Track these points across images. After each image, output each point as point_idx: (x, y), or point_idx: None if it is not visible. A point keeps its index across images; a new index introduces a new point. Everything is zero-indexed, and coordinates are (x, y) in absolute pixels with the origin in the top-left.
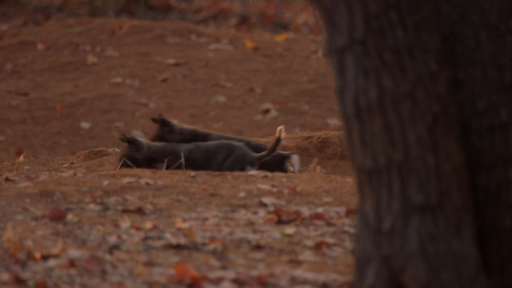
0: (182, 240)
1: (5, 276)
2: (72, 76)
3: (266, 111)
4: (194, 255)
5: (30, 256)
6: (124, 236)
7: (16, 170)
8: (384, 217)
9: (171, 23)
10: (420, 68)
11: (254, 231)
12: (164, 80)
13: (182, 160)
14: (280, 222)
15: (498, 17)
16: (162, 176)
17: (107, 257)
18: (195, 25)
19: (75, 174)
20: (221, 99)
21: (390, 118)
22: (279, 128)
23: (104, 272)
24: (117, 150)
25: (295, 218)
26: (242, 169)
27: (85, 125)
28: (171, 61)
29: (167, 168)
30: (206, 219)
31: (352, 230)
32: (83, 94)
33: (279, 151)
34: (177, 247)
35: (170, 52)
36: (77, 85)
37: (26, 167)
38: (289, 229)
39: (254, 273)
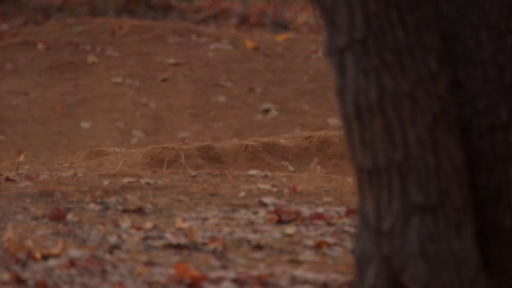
0: (182, 240)
1: (5, 276)
2: (72, 76)
3: (267, 111)
4: (194, 255)
5: (30, 255)
6: (124, 236)
7: (16, 170)
8: (384, 217)
9: (171, 23)
10: (420, 68)
11: (254, 231)
12: (164, 80)
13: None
14: (280, 221)
15: (498, 17)
16: (162, 176)
17: (107, 257)
18: (195, 25)
19: (75, 173)
20: (221, 99)
21: (390, 118)
22: None
23: (104, 271)
24: (117, 149)
25: (295, 218)
26: None
27: (85, 125)
28: (171, 61)
29: None
30: (206, 218)
31: (352, 230)
32: (83, 94)
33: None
34: (177, 247)
35: (170, 52)
36: (77, 85)
37: (26, 167)
38: (289, 229)
39: (254, 272)
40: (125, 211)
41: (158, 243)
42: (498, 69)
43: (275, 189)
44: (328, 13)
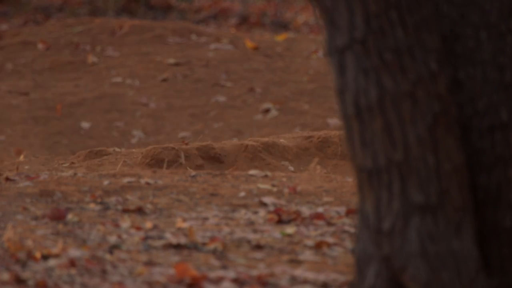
0: (182, 240)
1: (5, 276)
2: (72, 76)
3: (267, 110)
4: (194, 255)
5: (30, 255)
6: (124, 236)
7: (16, 169)
8: (384, 217)
9: (171, 23)
10: (420, 68)
11: (254, 231)
12: (164, 80)
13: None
14: (280, 221)
15: (498, 17)
16: (162, 176)
17: (107, 256)
18: (195, 25)
19: (75, 173)
20: (221, 98)
21: (390, 118)
22: None
23: (104, 271)
24: (117, 149)
25: (295, 218)
26: None
27: (85, 125)
28: (171, 60)
29: None
30: (206, 218)
31: (352, 230)
32: (83, 94)
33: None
34: (177, 247)
35: (170, 52)
36: (77, 85)
37: (26, 167)
38: (289, 229)
39: (254, 272)
40: (125, 211)
41: (158, 243)
42: (498, 69)
43: (275, 189)
44: (328, 13)
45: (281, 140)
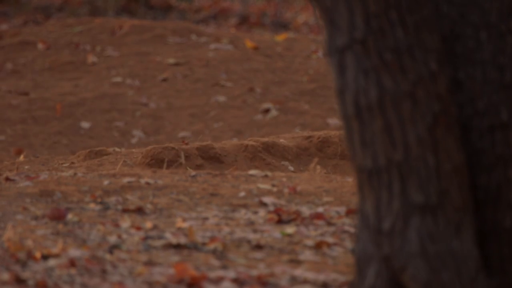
0: (182, 240)
1: (5, 276)
2: (72, 76)
3: (266, 110)
4: (194, 255)
5: (30, 255)
6: (124, 236)
7: (16, 169)
8: (384, 217)
9: (171, 23)
10: (420, 68)
11: (254, 231)
12: (164, 80)
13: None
14: (280, 221)
15: (498, 17)
16: (162, 176)
17: (107, 256)
18: (195, 24)
19: (75, 173)
20: (221, 98)
21: (390, 118)
22: None
23: (104, 271)
24: (117, 149)
25: (295, 218)
26: None
27: (85, 124)
28: (171, 60)
29: None
30: (206, 218)
31: (352, 230)
32: (83, 93)
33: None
34: (177, 247)
35: (170, 51)
36: (77, 84)
37: (26, 167)
38: (289, 229)
39: (254, 272)
40: (125, 211)
41: (158, 243)
42: (498, 69)
43: (275, 189)
44: (328, 13)
45: (281, 140)
